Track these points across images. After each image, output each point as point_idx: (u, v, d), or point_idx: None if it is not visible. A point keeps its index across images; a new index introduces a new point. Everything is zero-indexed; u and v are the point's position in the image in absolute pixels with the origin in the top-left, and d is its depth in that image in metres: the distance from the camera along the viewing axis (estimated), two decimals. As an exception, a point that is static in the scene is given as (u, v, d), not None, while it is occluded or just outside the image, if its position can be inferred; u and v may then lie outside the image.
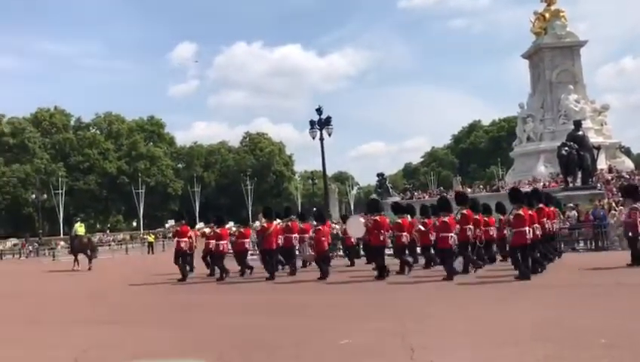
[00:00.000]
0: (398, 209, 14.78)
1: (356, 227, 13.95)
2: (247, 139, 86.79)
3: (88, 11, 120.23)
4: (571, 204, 19.67)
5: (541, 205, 13.42)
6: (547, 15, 39.84)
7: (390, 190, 36.14)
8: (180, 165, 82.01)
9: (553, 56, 38.47)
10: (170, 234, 20.88)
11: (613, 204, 20.08)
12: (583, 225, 18.35)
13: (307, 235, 14.94)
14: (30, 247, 42.99)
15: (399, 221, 13.66)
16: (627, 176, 30.88)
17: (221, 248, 14.62)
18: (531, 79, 41.38)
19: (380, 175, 36.91)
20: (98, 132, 76.56)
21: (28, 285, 17.41)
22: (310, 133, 23.91)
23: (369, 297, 10.41)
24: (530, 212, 11.85)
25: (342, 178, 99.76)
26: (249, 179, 75.99)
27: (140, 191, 67.76)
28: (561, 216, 18.02)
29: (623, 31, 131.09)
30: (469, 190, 37.81)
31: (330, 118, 23.36)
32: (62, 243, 42.41)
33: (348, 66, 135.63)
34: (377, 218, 13.13)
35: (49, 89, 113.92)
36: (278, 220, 15.16)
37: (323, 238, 13.72)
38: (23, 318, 9.98)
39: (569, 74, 38.37)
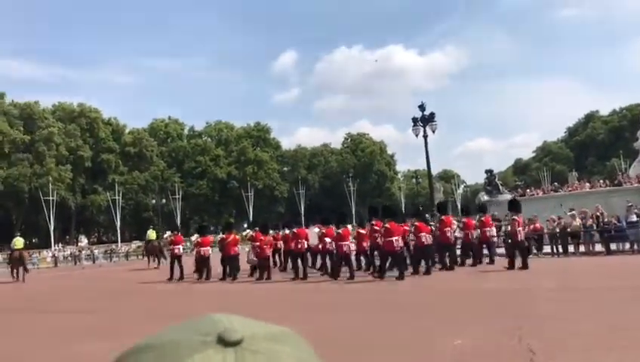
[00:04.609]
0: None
1: (313, 236, 16.67)
2: (349, 140, 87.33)
3: (196, 28, 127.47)
4: None
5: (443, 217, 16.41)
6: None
7: (500, 187, 34.44)
8: (285, 168, 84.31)
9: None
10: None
11: None
12: None
13: (256, 243, 17.27)
14: (152, 249, 46.22)
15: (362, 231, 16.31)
16: None
17: (202, 253, 17.72)
18: (657, 62, 37.62)
19: (489, 171, 35.25)
20: (209, 139, 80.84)
21: (145, 284, 18.67)
22: (413, 131, 23.35)
23: (477, 297, 9.98)
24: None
25: (447, 176, 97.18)
26: (351, 179, 76.41)
27: (249, 194, 70.64)
28: None
29: None
30: (588, 185, 35.13)
31: (433, 114, 22.67)
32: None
33: (450, 64, 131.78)
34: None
35: (164, 101, 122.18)
36: (248, 231, 19.78)
37: (265, 246, 16.49)
38: (145, 314, 10.68)
39: (703, 53, 34.41)
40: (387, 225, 14.24)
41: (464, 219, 17.35)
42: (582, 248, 18.88)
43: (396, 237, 13.86)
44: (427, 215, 17.92)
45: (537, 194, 35.85)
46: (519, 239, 14.55)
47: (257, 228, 18.96)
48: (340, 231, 15.25)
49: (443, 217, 16.23)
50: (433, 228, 16.52)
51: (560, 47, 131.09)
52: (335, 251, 15.13)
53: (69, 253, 48.23)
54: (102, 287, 18.32)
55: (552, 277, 11.57)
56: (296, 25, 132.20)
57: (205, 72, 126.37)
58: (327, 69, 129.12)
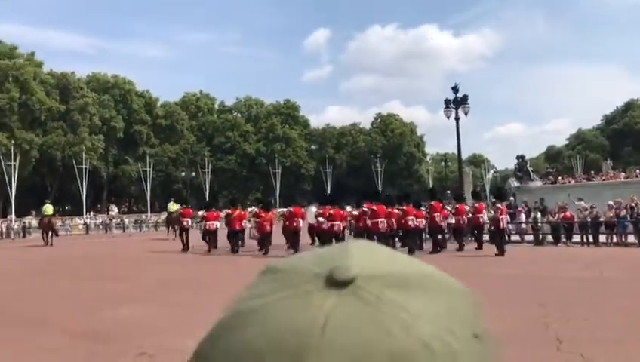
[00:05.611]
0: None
1: (310, 215, 17.49)
2: (379, 120, 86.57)
3: (230, 3, 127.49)
4: None
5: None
6: None
7: (531, 173, 33.74)
8: (313, 146, 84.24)
9: None
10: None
11: None
12: None
13: (257, 220, 18.00)
14: (180, 220, 47.06)
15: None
16: None
17: (207, 227, 18.75)
18: None
19: (520, 157, 34.48)
20: (239, 115, 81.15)
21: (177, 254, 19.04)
22: (445, 113, 23.07)
23: (503, 282, 9.85)
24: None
25: (476, 161, 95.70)
26: (379, 160, 75.93)
27: (277, 171, 70.96)
28: None
29: None
30: (623, 174, 34.24)
31: (466, 96, 22.32)
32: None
33: (485, 46, 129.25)
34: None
35: (196, 75, 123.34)
36: (253, 207, 21.12)
37: (265, 223, 17.21)
38: (161, 281, 10.87)
39: None
40: (374, 208, 15.22)
41: (457, 205, 17.60)
42: (614, 239, 18.45)
43: (382, 219, 15.07)
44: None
45: (569, 182, 35.10)
46: (501, 226, 15.34)
47: (261, 206, 19.86)
48: (332, 211, 16.23)
49: (432, 202, 16.78)
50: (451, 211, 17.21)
51: (599, 33, 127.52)
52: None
53: (100, 221, 49.42)
54: (127, 255, 18.96)
55: (578, 266, 11.34)
56: (330, 3, 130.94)
57: (237, 48, 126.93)
58: (360, 48, 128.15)
